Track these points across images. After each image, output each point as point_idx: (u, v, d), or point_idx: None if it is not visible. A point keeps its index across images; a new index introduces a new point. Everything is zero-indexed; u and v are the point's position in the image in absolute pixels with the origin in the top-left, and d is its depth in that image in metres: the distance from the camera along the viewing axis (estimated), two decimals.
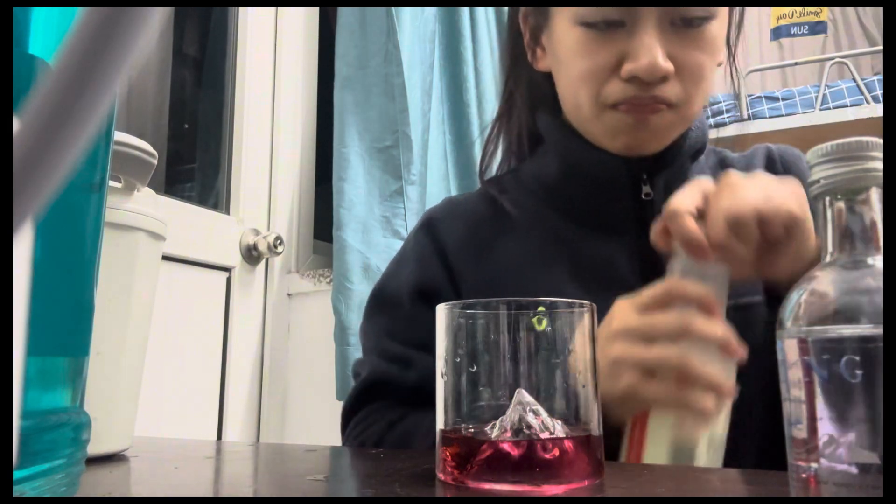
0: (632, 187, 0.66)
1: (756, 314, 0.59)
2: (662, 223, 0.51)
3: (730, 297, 0.52)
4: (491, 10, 1.68)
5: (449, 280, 0.70)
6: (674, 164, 0.66)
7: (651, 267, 0.62)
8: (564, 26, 0.64)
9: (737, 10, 0.67)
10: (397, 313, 0.70)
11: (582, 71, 0.62)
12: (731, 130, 1.65)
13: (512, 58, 0.76)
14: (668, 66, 0.59)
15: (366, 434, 0.67)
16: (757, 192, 0.47)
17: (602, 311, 0.57)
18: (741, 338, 0.48)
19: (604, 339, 0.49)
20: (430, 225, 0.73)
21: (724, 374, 0.47)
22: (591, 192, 0.67)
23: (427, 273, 0.70)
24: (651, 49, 0.58)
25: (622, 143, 0.64)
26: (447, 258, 0.70)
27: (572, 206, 0.68)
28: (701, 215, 0.49)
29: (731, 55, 0.70)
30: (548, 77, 0.71)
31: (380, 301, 0.73)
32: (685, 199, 0.50)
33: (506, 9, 1.67)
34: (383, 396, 0.68)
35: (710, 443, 0.49)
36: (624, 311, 0.50)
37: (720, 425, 0.49)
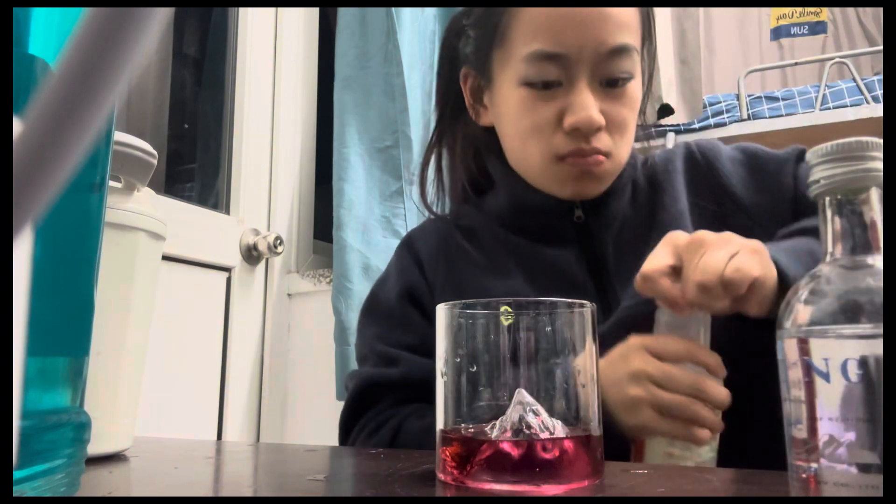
0: (567, 212, 0.74)
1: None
2: (638, 279, 0.57)
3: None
4: None
5: (427, 286, 0.78)
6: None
7: (597, 268, 0.72)
8: (508, 87, 0.71)
9: (646, 75, 0.75)
10: (388, 319, 0.78)
11: (528, 126, 0.70)
12: (731, 130, 1.65)
13: (451, 113, 0.84)
14: (601, 119, 0.67)
15: (375, 440, 0.70)
16: (723, 258, 0.53)
17: None
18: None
19: (622, 376, 0.57)
20: (409, 242, 0.83)
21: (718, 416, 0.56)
22: (536, 219, 0.76)
23: (410, 279, 0.78)
24: (588, 105, 0.67)
25: (571, 191, 0.71)
26: (423, 268, 0.79)
27: (522, 227, 0.77)
28: (675, 271, 0.56)
29: (642, 110, 0.78)
30: (490, 130, 0.78)
31: (371, 310, 0.80)
32: (656, 261, 0.56)
33: None
34: (377, 399, 0.72)
35: (698, 462, 0.57)
36: (642, 355, 0.57)
37: (708, 450, 0.57)
